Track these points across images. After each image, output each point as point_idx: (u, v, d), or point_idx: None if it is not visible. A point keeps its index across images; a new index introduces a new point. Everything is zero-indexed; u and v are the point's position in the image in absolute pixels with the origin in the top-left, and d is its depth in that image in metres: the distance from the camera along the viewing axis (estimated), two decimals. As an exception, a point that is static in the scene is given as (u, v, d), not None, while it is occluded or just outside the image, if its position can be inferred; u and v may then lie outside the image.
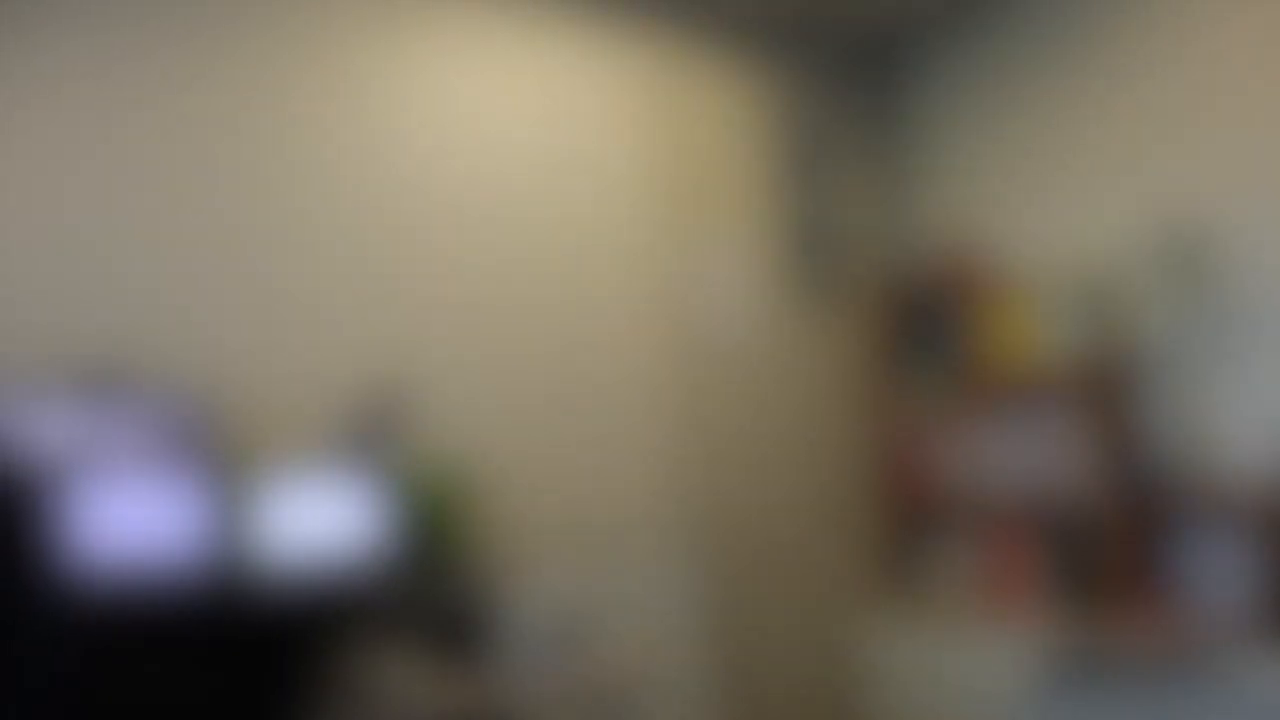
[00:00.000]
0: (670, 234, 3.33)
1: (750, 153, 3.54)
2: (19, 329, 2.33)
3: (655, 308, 3.27)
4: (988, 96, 3.55)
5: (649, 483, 3.19)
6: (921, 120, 3.78)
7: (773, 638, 3.35)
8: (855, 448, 3.64)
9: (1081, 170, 3.26)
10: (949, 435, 3.42)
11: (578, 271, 3.14)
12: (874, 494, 3.64)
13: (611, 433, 3.14)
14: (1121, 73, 3.15)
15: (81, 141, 2.48)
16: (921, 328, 3.51)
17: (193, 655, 0.86)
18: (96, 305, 2.42)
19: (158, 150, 2.58)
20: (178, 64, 2.62)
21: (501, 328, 3.00)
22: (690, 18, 3.46)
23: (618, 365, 3.18)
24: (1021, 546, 3.17)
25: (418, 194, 2.92)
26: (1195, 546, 2.84)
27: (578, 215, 3.17)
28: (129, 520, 2.01)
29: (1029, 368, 3.18)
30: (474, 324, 2.96)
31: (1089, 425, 3.00)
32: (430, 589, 2.58)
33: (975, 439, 3.34)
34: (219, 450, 2.40)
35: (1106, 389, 3.02)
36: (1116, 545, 2.92)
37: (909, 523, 3.56)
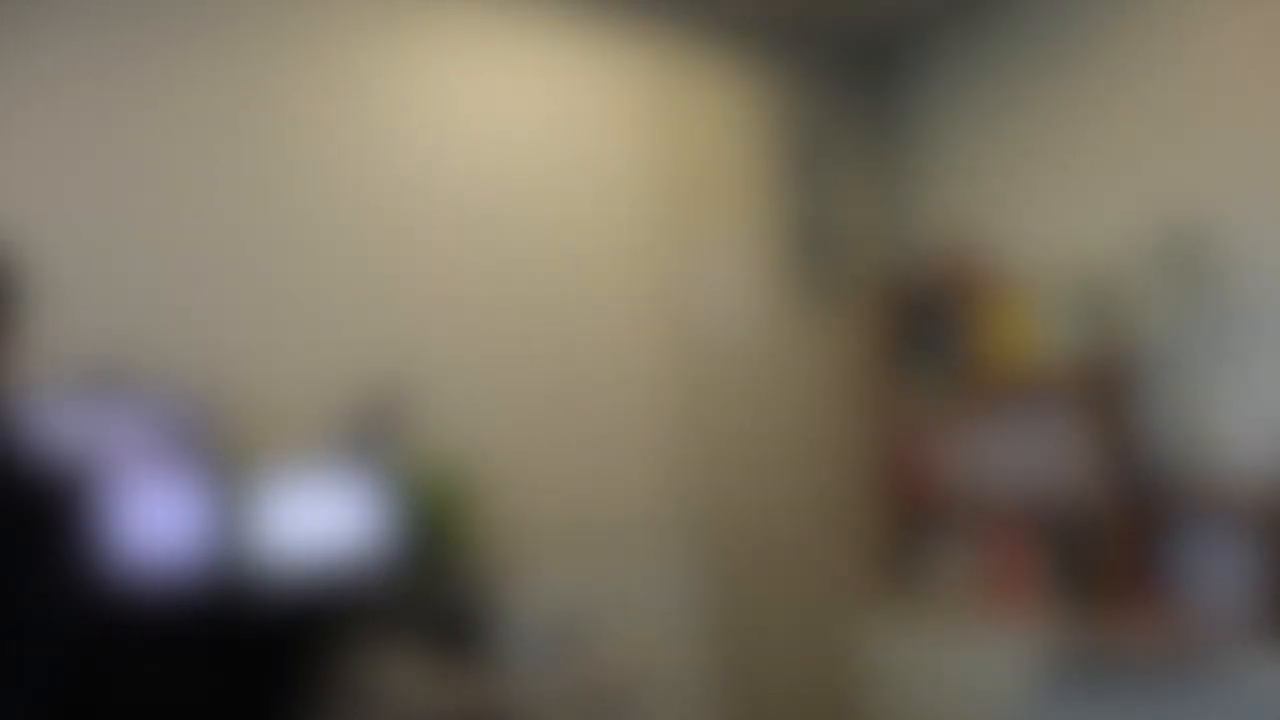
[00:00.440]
0: (670, 234, 3.33)
1: (750, 153, 3.54)
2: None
3: (655, 308, 3.27)
4: (988, 96, 3.55)
5: (649, 483, 3.19)
6: (921, 120, 3.78)
7: (773, 638, 3.35)
8: (855, 448, 3.64)
9: (1081, 170, 3.26)
10: (949, 435, 3.42)
11: (578, 271, 3.14)
12: (874, 494, 3.64)
13: (611, 433, 3.14)
14: (1121, 73, 3.15)
15: (81, 141, 2.48)
16: (921, 328, 3.51)
17: (192, 655, 0.86)
18: (96, 305, 2.42)
19: (158, 150, 2.58)
20: (178, 64, 2.62)
21: (501, 328, 3.00)
22: (690, 18, 3.46)
23: (618, 365, 3.18)
24: (1021, 546, 3.17)
25: (418, 194, 2.92)
26: (1195, 546, 2.84)
27: (578, 215, 3.17)
28: (129, 520, 2.01)
29: (1029, 368, 3.18)
30: (474, 324, 2.96)
31: (1089, 425, 3.00)
32: (430, 589, 2.58)
33: (975, 439, 3.34)
34: (219, 450, 2.40)
35: (1106, 389, 3.02)
36: (1116, 545, 2.91)
37: (909, 523, 3.56)
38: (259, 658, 0.87)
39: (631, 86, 3.31)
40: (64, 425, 1.95)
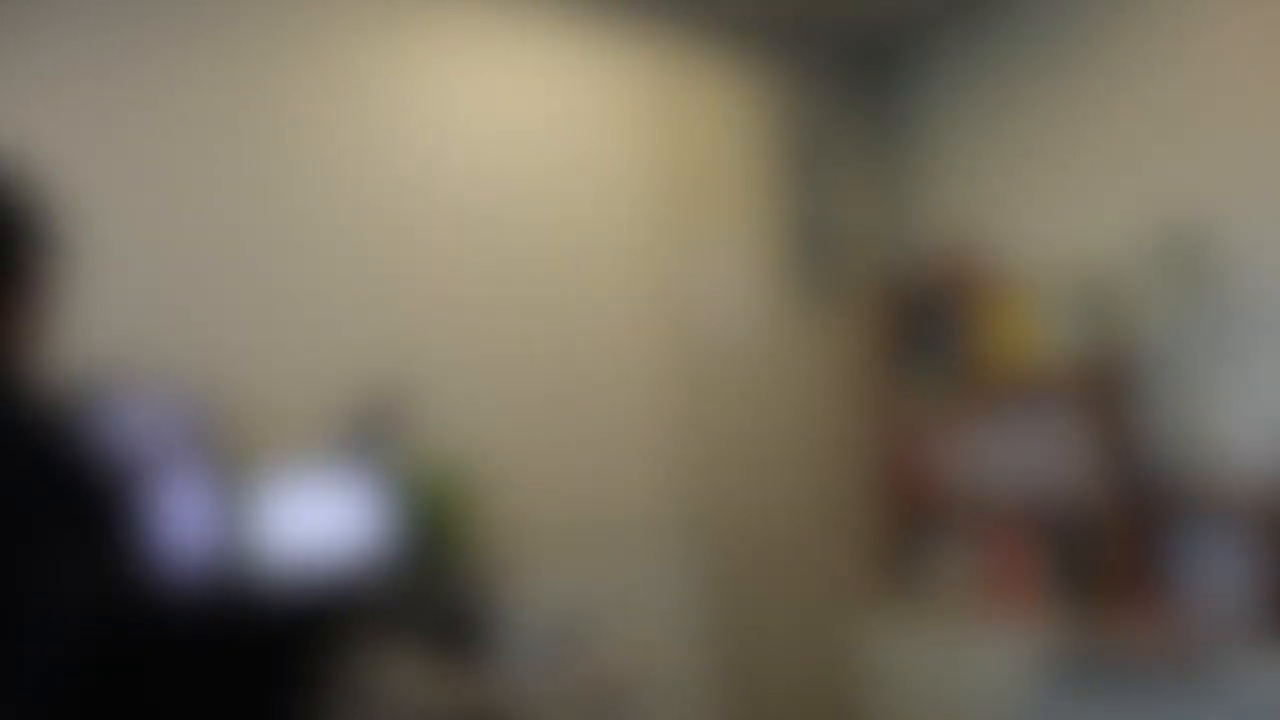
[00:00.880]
0: (670, 234, 3.33)
1: (750, 153, 3.54)
2: (19, 329, 2.33)
3: (655, 308, 3.27)
4: (988, 96, 3.55)
5: (649, 483, 3.19)
6: (921, 120, 3.78)
7: (773, 638, 3.35)
8: (855, 448, 3.64)
9: (1081, 170, 3.26)
10: (949, 435, 3.42)
11: (578, 271, 3.14)
12: (874, 494, 3.64)
13: (611, 433, 3.14)
14: (1121, 73, 3.15)
15: (81, 141, 2.48)
16: (921, 328, 3.51)
17: (193, 655, 0.86)
18: (95, 305, 2.42)
19: (157, 150, 2.58)
20: (178, 64, 2.62)
21: (501, 328, 3.00)
22: (690, 18, 3.46)
23: (618, 365, 3.18)
24: (1021, 546, 3.17)
25: (418, 194, 2.92)
26: (1195, 547, 2.84)
27: (578, 215, 3.17)
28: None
29: (1029, 368, 3.18)
30: (474, 324, 2.96)
31: (1089, 425, 3.00)
32: (430, 589, 2.58)
33: (975, 439, 3.34)
34: (219, 450, 2.40)
35: (1106, 389, 3.02)
36: (1116, 545, 2.91)
37: (909, 523, 3.56)
38: (258, 657, 0.87)
39: (631, 86, 3.31)
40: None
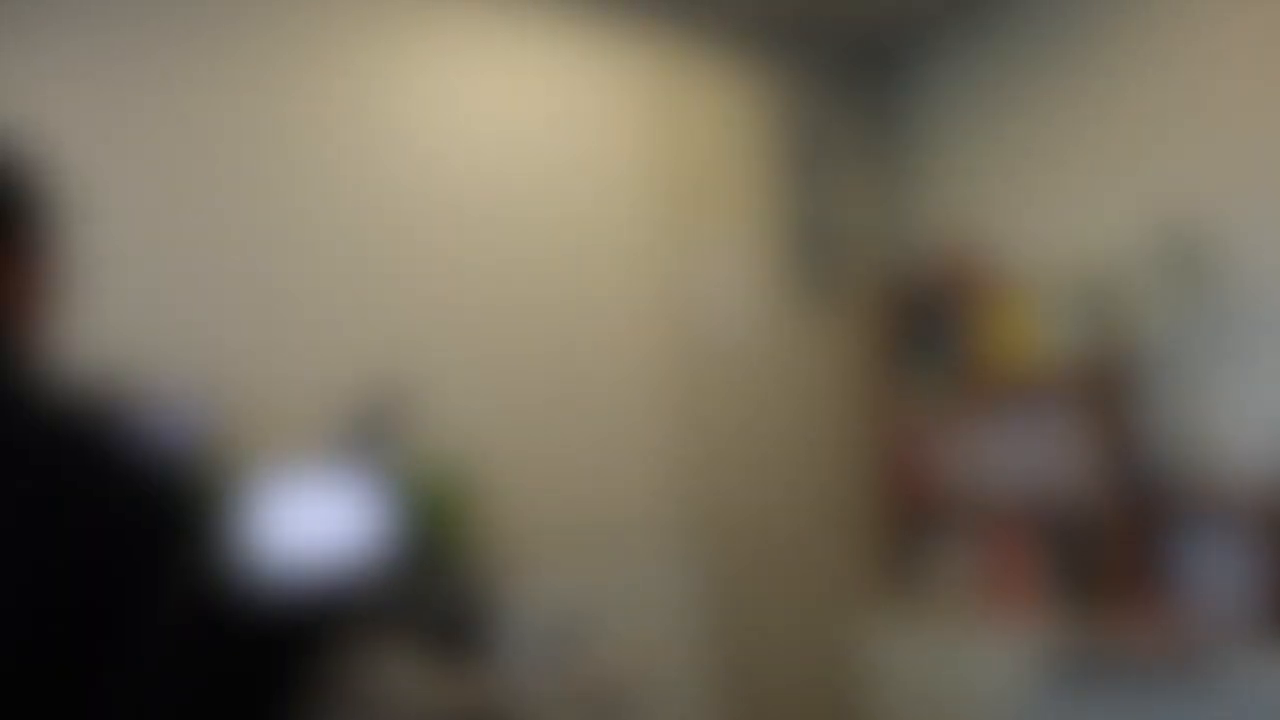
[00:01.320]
0: (670, 234, 3.33)
1: (750, 153, 3.54)
2: (19, 329, 2.33)
3: (655, 308, 3.27)
4: (988, 96, 3.55)
5: (649, 483, 3.19)
6: (921, 120, 3.78)
7: (773, 638, 3.35)
8: (855, 448, 3.64)
9: (1081, 170, 3.26)
10: (949, 435, 3.42)
11: (578, 271, 3.14)
12: (874, 494, 3.64)
13: (611, 433, 3.14)
14: (1121, 73, 3.15)
15: (80, 141, 2.48)
16: (921, 328, 3.51)
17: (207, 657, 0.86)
18: (94, 306, 2.42)
19: (157, 150, 2.58)
20: (177, 63, 2.62)
21: (501, 328, 3.00)
22: (690, 18, 3.46)
23: (618, 365, 3.18)
24: (1021, 546, 3.17)
25: (418, 194, 2.92)
26: (1195, 546, 2.84)
27: (578, 215, 3.17)
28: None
29: (1029, 368, 3.18)
30: (474, 324, 2.96)
31: (1089, 425, 3.00)
32: (430, 589, 2.58)
33: (975, 439, 3.34)
34: (219, 451, 2.40)
35: (1106, 389, 3.02)
36: (1116, 545, 2.91)
37: (909, 523, 3.56)
38: (258, 660, 0.86)
39: (631, 86, 3.31)
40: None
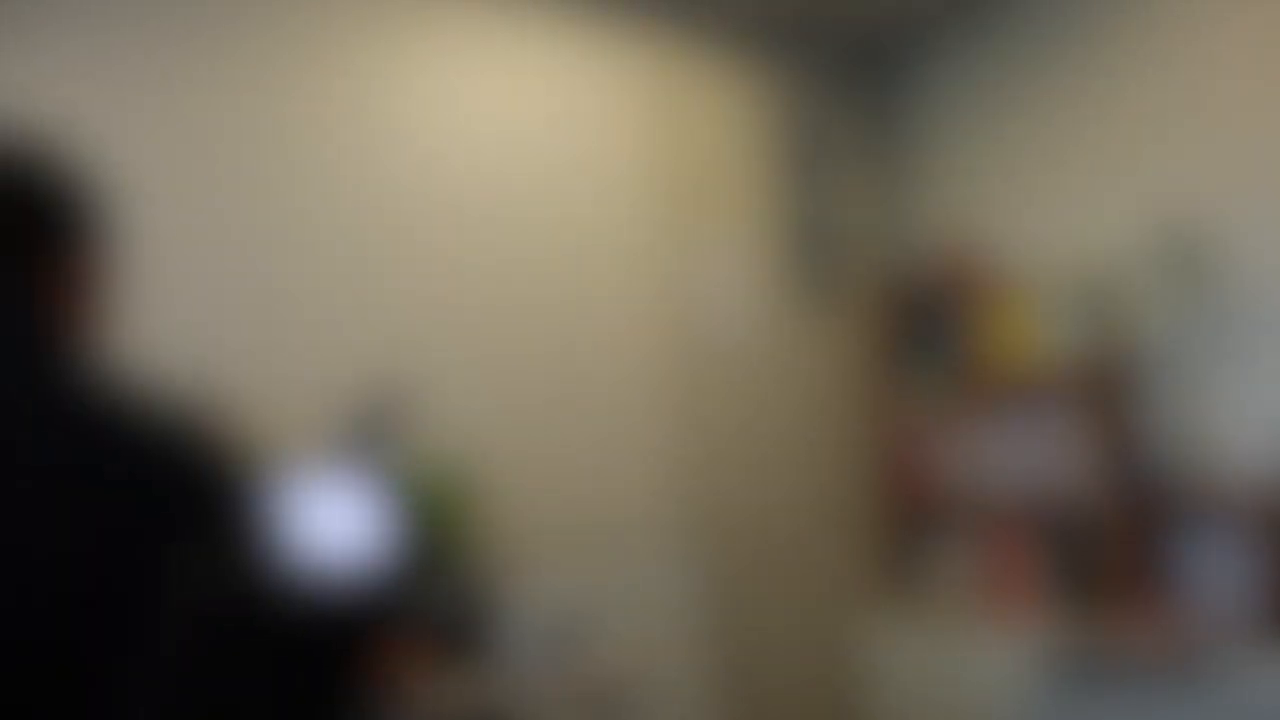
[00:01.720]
0: (670, 234, 3.33)
1: (750, 153, 3.54)
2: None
3: (655, 308, 3.27)
4: (987, 96, 3.55)
5: (649, 483, 3.19)
6: (921, 120, 3.78)
7: (773, 638, 3.35)
8: (855, 448, 3.64)
9: (1081, 170, 3.26)
10: (949, 435, 3.42)
11: (578, 271, 3.14)
12: (874, 494, 3.64)
13: (611, 433, 3.14)
14: (1121, 73, 3.15)
15: (79, 141, 2.48)
16: (921, 328, 3.51)
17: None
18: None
19: (156, 150, 2.58)
20: (177, 63, 2.62)
21: (501, 328, 3.00)
22: (690, 18, 3.46)
23: (618, 365, 3.18)
24: (1021, 546, 3.17)
25: (418, 194, 2.92)
26: (1195, 546, 2.84)
27: (578, 215, 3.17)
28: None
29: (1029, 368, 3.18)
30: (474, 324, 2.96)
31: (1089, 425, 3.00)
32: (430, 589, 2.58)
33: (975, 439, 3.34)
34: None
35: (1106, 389, 3.02)
36: (1116, 545, 2.92)
37: (909, 523, 3.56)
38: (303, 658, 0.87)
39: (631, 86, 3.31)
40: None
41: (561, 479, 3.02)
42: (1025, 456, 3.18)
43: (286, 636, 0.88)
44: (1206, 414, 2.90)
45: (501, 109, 3.07)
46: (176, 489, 0.90)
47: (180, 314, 2.55)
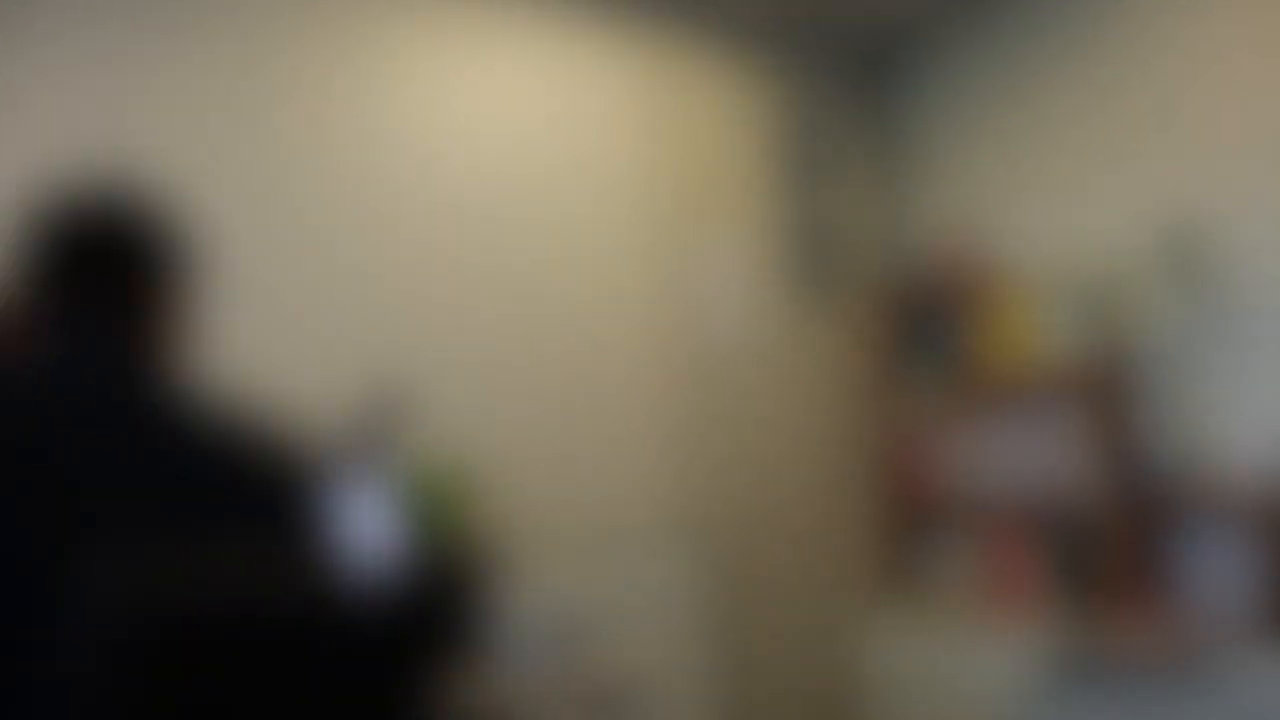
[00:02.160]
0: (670, 235, 3.33)
1: (750, 153, 3.54)
2: (19, 329, 2.33)
3: (655, 308, 3.27)
4: (987, 96, 3.55)
5: (649, 483, 3.19)
6: (921, 121, 3.78)
7: (773, 638, 3.36)
8: (855, 448, 3.64)
9: (1081, 170, 3.26)
10: (949, 435, 3.42)
11: (577, 272, 3.14)
12: (874, 494, 3.64)
13: (612, 433, 3.14)
14: (1121, 74, 3.15)
15: (79, 141, 2.48)
16: (921, 328, 3.51)
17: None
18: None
19: (156, 150, 2.58)
20: (177, 64, 2.62)
21: (502, 328, 3.00)
22: (691, 18, 3.46)
23: (618, 366, 3.18)
24: (1021, 546, 3.17)
25: (418, 194, 2.92)
26: (1195, 547, 2.84)
27: (578, 216, 3.17)
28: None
29: (1029, 368, 3.18)
30: (474, 324, 2.96)
31: (1089, 425, 3.00)
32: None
33: (975, 439, 3.34)
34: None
35: (1106, 389, 3.02)
36: (1116, 545, 2.92)
37: (909, 523, 3.56)
38: (377, 657, 0.90)
39: (631, 86, 3.32)
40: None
41: (562, 479, 3.02)
42: (1025, 456, 3.18)
43: (360, 635, 0.90)
44: (1206, 414, 2.90)
45: (501, 109, 3.07)
46: (262, 494, 0.97)
47: (180, 314, 2.55)
